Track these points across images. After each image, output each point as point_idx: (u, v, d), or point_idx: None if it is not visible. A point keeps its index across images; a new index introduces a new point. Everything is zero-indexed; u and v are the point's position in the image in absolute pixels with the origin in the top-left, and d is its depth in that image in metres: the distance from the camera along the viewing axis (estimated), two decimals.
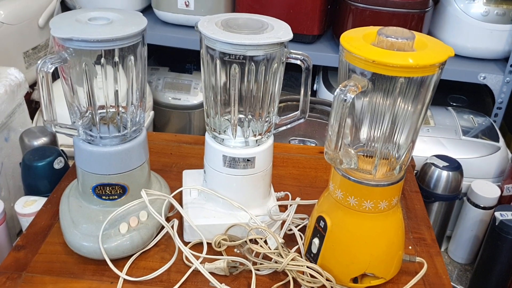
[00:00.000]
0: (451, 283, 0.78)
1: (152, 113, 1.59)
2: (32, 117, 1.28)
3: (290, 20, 0.77)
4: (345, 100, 0.57)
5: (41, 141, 1.06)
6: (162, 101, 1.67)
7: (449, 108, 1.53)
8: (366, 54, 0.57)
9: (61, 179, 0.91)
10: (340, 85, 0.58)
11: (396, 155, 0.66)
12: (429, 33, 1.54)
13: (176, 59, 1.81)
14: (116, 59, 0.67)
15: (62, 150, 1.00)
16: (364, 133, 0.65)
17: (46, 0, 1.48)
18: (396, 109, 0.60)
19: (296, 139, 1.32)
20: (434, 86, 0.61)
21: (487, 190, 1.30)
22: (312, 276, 0.69)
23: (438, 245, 0.82)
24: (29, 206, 0.89)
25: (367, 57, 0.57)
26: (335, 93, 0.57)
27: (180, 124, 1.70)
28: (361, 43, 0.60)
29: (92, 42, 0.64)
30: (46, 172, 0.94)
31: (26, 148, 1.04)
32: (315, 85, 1.70)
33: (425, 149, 1.34)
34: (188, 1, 1.52)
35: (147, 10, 1.70)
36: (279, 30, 0.70)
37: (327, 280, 0.69)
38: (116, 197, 0.75)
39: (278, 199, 0.85)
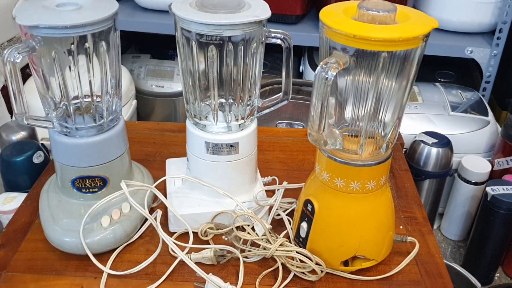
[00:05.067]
0: (445, 260, 0.77)
1: (134, 102, 1.56)
2: (10, 112, 1.24)
3: None
4: (327, 78, 0.54)
5: (20, 135, 1.03)
6: (145, 89, 1.64)
7: (437, 84, 1.51)
8: (347, 28, 0.54)
9: (41, 174, 0.88)
10: (321, 63, 0.55)
11: (382, 133, 0.63)
12: (414, 7, 1.51)
13: (158, 46, 1.77)
14: (87, 46, 0.64)
15: (42, 143, 0.97)
16: (348, 112, 0.63)
17: None
18: (380, 86, 0.58)
19: (283, 122, 1.30)
20: (418, 61, 0.58)
21: (478, 165, 1.29)
22: (301, 261, 0.67)
23: (430, 223, 0.80)
24: (9, 203, 0.86)
25: (348, 32, 0.54)
26: (316, 71, 0.55)
27: (165, 112, 1.67)
28: (341, 18, 0.57)
29: (60, 29, 0.61)
30: (25, 167, 0.91)
31: (4, 143, 1.02)
32: (301, 67, 1.67)
33: (414, 126, 1.33)
34: None
35: None
36: (257, 8, 0.67)
37: (317, 264, 0.67)
38: (96, 189, 0.73)
39: (265, 184, 0.83)
